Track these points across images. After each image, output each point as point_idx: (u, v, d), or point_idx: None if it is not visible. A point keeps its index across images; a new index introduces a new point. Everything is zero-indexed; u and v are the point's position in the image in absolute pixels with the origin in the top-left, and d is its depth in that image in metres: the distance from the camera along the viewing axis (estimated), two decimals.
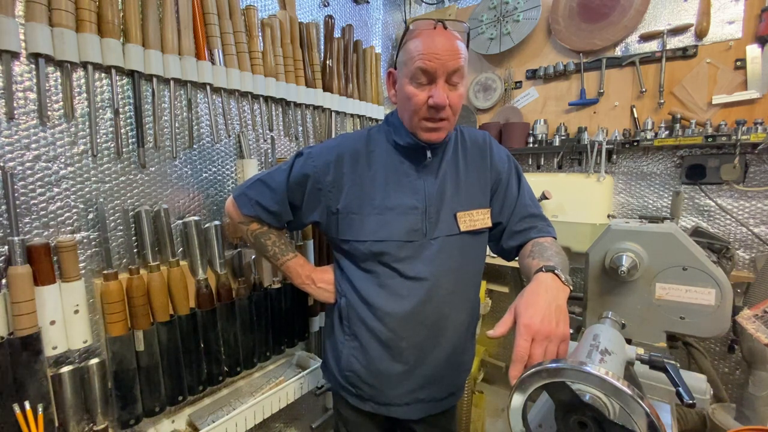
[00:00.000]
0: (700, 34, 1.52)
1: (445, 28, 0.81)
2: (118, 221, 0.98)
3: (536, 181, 1.71)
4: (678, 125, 1.55)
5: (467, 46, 0.85)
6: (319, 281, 1.03)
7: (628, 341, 0.89)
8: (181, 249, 1.11)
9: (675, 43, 1.59)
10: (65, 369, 0.88)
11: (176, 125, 1.08)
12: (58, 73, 0.86)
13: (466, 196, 0.94)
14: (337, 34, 1.54)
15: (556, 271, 0.73)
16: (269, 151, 1.34)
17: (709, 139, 1.45)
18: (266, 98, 1.30)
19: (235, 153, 1.25)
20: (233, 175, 1.24)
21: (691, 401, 0.63)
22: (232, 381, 1.27)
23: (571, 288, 0.74)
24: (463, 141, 0.98)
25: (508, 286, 2.10)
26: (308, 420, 1.59)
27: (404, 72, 0.84)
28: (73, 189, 0.90)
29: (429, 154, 0.90)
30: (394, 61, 0.91)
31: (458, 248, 0.93)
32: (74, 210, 0.91)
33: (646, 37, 1.64)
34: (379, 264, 0.91)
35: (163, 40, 1.00)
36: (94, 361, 0.92)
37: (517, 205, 0.97)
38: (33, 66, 0.83)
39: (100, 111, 0.93)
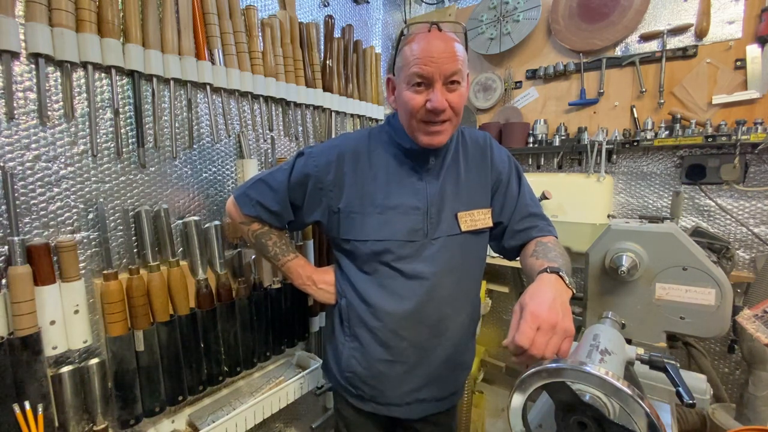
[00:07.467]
0: (700, 34, 1.52)
1: (440, 30, 0.80)
2: (118, 221, 0.98)
3: (536, 181, 1.71)
4: (678, 125, 1.55)
5: (466, 46, 0.84)
6: (320, 282, 1.02)
7: (628, 341, 0.89)
8: (181, 249, 1.11)
9: (675, 43, 1.59)
10: (65, 369, 0.88)
11: (176, 125, 1.08)
12: (58, 73, 0.86)
13: (467, 196, 0.94)
14: (337, 34, 1.54)
15: (560, 273, 0.73)
16: (269, 151, 1.34)
17: (709, 139, 1.45)
18: (266, 98, 1.30)
19: (235, 153, 1.25)
20: (233, 175, 1.24)
21: (691, 401, 0.63)
22: (232, 381, 1.27)
23: (575, 291, 0.73)
24: (463, 142, 0.98)
25: (508, 286, 2.09)
26: (308, 420, 1.59)
27: (401, 77, 0.83)
28: (73, 189, 0.90)
29: (432, 159, 0.90)
30: (392, 66, 0.90)
31: (459, 248, 0.93)
32: (74, 210, 0.90)
33: (646, 37, 1.64)
34: (380, 264, 0.91)
35: (163, 40, 1.00)
36: (94, 361, 0.92)
37: (517, 205, 0.97)
38: (33, 66, 0.83)
39: (100, 111, 0.93)
